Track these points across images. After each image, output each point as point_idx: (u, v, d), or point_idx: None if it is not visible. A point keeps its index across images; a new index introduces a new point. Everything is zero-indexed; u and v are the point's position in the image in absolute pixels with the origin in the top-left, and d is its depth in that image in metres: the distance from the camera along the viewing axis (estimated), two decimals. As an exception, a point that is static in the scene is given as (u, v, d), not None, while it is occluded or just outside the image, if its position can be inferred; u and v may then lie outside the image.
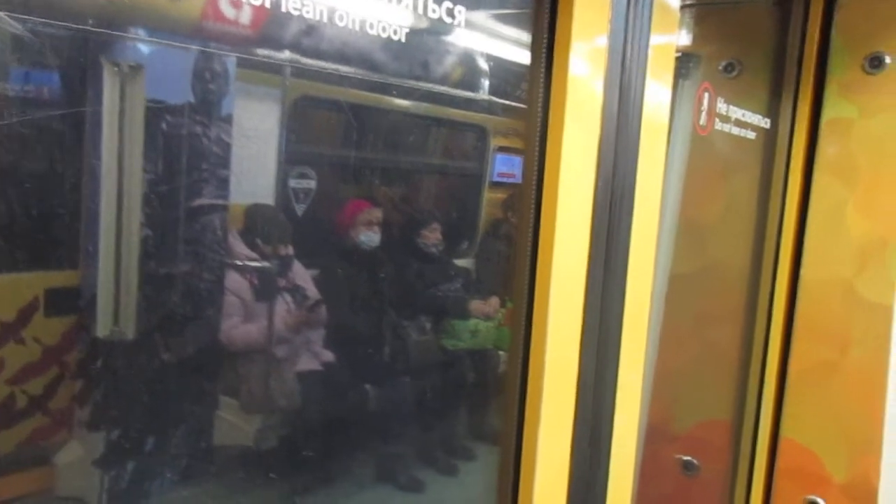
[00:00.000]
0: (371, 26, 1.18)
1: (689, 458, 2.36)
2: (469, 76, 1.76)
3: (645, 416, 1.95)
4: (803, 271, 2.32)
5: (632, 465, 1.66)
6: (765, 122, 2.29)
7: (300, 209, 2.29)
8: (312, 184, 2.30)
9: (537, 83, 1.37)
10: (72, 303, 1.55)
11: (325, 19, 1.13)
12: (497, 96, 2.00)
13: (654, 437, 2.12)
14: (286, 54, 1.36)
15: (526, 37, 1.40)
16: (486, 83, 1.96)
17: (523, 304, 1.44)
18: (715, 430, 2.52)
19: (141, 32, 1.31)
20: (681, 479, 2.40)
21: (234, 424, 2.11)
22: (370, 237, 2.64)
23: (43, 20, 0.99)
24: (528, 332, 1.43)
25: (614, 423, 1.55)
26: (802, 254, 2.32)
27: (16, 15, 0.95)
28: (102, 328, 1.56)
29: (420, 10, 1.22)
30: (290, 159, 2.27)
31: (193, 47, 1.53)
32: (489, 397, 2.88)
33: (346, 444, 2.38)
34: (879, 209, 2.17)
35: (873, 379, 2.20)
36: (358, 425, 2.50)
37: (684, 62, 1.96)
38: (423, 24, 1.25)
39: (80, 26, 1.02)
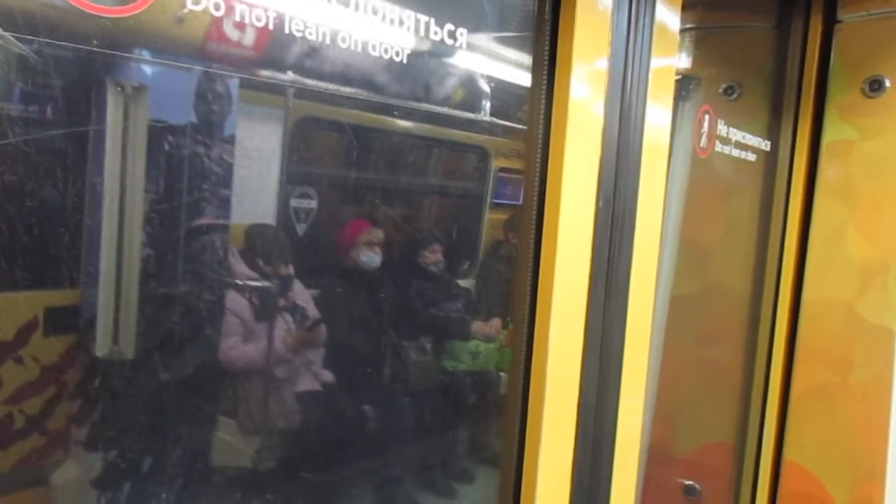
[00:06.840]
0: (373, 48, 1.18)
1: (690, 482, 2.34)
2: (470, 98, 1.77)
3: (647, 438, 1.94)
4: (805, 293, 2.31)
5: (633, 487, 1.64)
6: (765, 145, 2.29)
7: (301, 229, 2.29)
8: (314, 203, 2.31)
9: (538, 105, 1.38)
10: (71, 322, 1.55)
11: (327, 41, 1.14)
12: (498, 118, 2.01)
13: (655, 460, 2.10)
14: (289, 75, 1.37)
15: (527, 59, 1.41)
16: (487, 105, 1.97)
17: (524, 324, 1.43)
18: (717, 452, 2.50)
19: (145, 53, 1.32)
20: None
21: (232, 445, 2.09)
22: (371, 257, 2.63)
23: (48, 41, 1.00)
24: (528, 353, 1.43)
25: (616, 445, 1.54)
26: (804, 276, 2.31)
27: (22, 36, 0.96)
28: (102, 347, 1.55)
29: (422, 33, 1.23)
30: (292, 179, 2.27)
31: (196, 68, 1.54)
32: (490, 419, 2.86)
33: (344, 465, 2.36)
34: (880, 232, 2.17)
35: (876, 402, 2.19)
36: (356, 446, 2.48)
37: (684, 85, 1.97)
38: (425, 47, 1.26)
39: (85, 47, 1.03)
